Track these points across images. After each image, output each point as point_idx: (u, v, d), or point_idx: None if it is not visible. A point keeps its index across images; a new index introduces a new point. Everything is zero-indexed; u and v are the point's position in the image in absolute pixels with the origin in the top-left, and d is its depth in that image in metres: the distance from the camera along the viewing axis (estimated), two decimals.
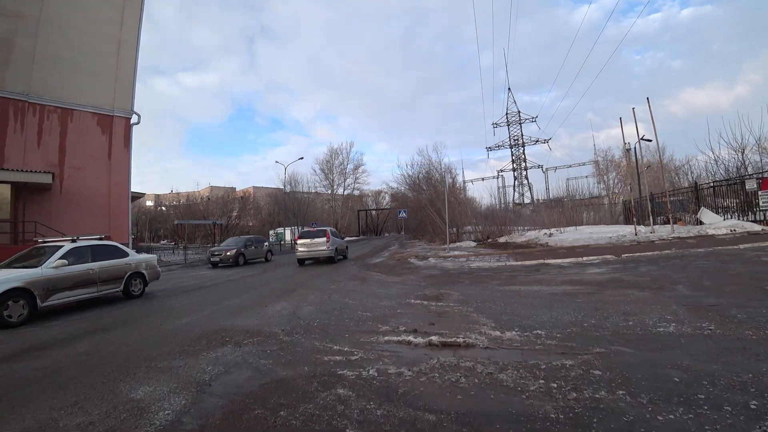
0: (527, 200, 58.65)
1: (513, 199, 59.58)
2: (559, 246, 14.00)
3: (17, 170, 12.49)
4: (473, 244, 20.27)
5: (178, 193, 73.60)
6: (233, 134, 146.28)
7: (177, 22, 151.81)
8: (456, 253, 12.96)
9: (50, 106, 14.57)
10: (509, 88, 60.22)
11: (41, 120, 14.34)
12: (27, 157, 13.76)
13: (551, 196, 39.02)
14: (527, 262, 10.27)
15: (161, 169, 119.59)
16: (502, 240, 20.74)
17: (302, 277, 10.61)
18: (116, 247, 7.68)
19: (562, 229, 20.35)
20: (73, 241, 7.11)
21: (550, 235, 18.29)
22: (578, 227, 20.09)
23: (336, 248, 15.62)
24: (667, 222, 16.66)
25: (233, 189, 73.59)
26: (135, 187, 18.07)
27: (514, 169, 62.03)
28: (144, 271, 8.08)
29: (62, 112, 14.92)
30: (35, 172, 12.71)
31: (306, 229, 19.27)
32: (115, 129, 16.07)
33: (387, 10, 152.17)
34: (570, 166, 60.06)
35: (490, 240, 21.78)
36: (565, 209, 25.19)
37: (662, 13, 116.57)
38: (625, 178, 29.04)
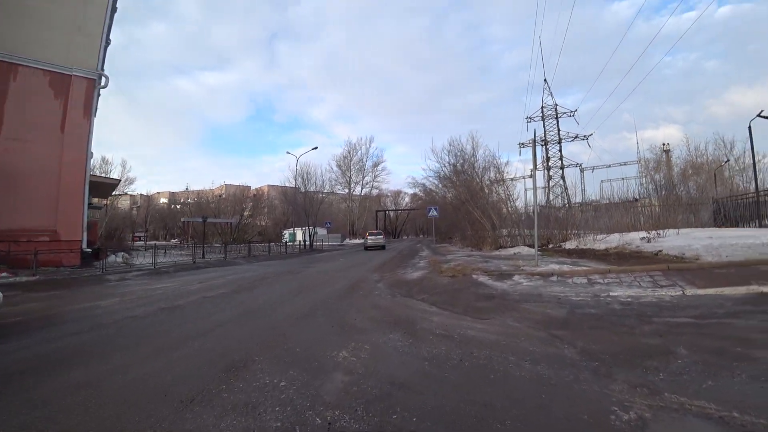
0: (560, 202, 53.46)
1: (548, 201, 54.20)
2: (698, 257, 8.45)
3: None
4: (532, 250, 15.67)
5: (190, 192, 71.08)
6: (252, 134, 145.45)
7: (200, 19, 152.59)
8: (553, 266, 8.34)
9: None
10: (545, 79, 54.98)
11: None
12: None
13: (585, 198, 34.80)
14: (726, 291, 5.53)
15: (179, 168, 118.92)
16: (569, 246, 15.99)
17: (274, 319, 5.44)
18: None
19: (659, 232, 15.80)
20: None
21: (648, 240, 13.92)
22: (679, 230, 15.52)
23: (385, 240, 27.13)
24: None
25: (248, 187, 69.99)
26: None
27: (548, 168, 56.54)
28: None
29: (4, 68, 11.28)
30: None
31: (370, 230, 30.72)
32: (73, 92, 12.19)
33: (410, 4, 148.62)
34: (609, 166, 55.36)
35: (552, 246, 17.13)
36: (675, 208, 20.10)
37: (696, 11, 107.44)
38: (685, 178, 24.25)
